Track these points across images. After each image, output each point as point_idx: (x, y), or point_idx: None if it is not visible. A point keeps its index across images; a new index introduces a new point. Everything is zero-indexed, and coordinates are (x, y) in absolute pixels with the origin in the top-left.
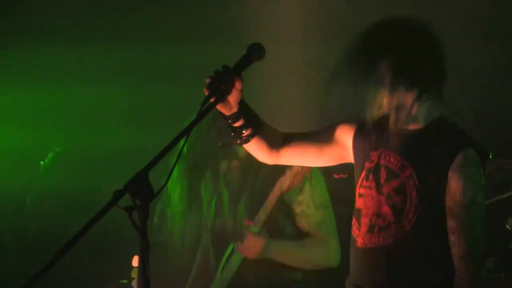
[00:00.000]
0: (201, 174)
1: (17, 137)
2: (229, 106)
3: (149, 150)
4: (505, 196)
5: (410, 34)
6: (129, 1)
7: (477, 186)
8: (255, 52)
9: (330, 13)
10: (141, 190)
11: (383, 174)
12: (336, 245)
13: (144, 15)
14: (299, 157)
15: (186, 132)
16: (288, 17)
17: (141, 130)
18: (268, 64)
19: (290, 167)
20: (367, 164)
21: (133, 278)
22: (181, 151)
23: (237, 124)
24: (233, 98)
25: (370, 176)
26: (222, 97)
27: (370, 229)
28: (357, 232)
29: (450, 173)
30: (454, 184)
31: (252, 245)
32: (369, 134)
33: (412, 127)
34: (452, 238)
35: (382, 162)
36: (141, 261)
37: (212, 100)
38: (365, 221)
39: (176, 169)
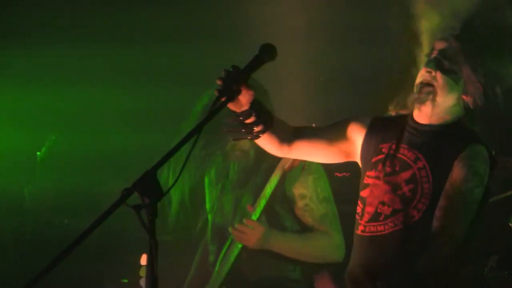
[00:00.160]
0: (204, 170)
1: (16, 137)
2: (240, 104)
3: (149, 150)
4: (508, 194)
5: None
6: (129, 2)
7: (478, 179)
8: (267, 53)
9: (331, 13)
10: (150, 189)
11: (395, 165)
12: (340, 239)
13: (145, 16)
14: (309, 151)
15: (197, 131)
16: (289, 17)
17: (141, 130)
18: (269, 64)
19: None
20: (375, 157)
21: (141, 277)
22: (191, 150)
23: (248, 121)
24: (244, 99)
25: (379, 167)
26: (232, 97)
27: (375, 218)
28: (360, 220)
29: (456, 163)
30: (457, 171)
31: (251, 232)
32: (382, 130)
33: (431, 123)
34: (437, 213)
35: (394, 153)
36: (149, 259)
37: (222, 99)
38: (369, 209)
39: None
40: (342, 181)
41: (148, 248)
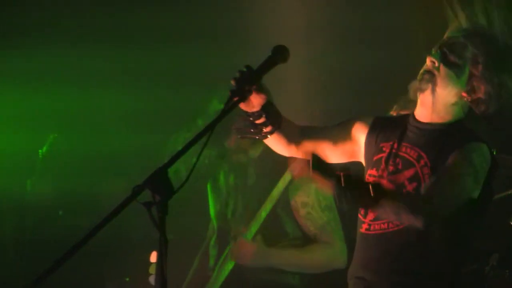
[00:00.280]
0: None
1: (17, 137)
2: (252, 105)
3: (149, 150)
4: (509, 193)
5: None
6: (130, 2)
7: (471, 169)
8: (279, 54)
9: (331, 13)
10: (161, 186)
11: (397, 163)
12: (341, 247)
13: (146, 16)
14: (315, 151)
15: (209, 129)
16: (289, 17)
17: (142, 130)
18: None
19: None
20: (376, 155)
21: (150, 274)
22: (203, 148)
23: (258, 121)
24: (256, 101)
25: (382, 165)
26: (244, 97)
27: (379, 216)
28: (363, 218)
29: (453, 153)
30: (452, 158)
31: (243, 252)
32: (383, 129)
33: (432, 122)
34: (425, 186)
35: (397, 152)
36: (159, 257)
37: (235, 99)
38: None
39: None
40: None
41: (158, 245)
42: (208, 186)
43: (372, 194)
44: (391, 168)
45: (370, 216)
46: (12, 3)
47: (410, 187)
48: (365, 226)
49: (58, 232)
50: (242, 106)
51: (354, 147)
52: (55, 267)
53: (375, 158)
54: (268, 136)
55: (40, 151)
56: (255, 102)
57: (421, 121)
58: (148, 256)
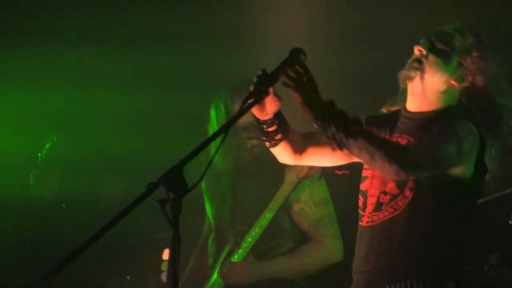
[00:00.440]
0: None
1: (17, 138)
2: (265, 113)
3: (150, 154)
4: (508, 191)
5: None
6: (131, 3)
7: (455, 138)
8: (296, 57)
9: (331, 13)
10: (175, 184)
11: None
12: (334, 244)
13: (147, 17)
14: (317, 158)
15: (224, 129)
16: (289, 17)
17: (142, 132)
18: (269, 64)
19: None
20: None
21: (162, 271)
22: (218, 148)
23: (270, 129)
24: (271, 108)
25: None
26: (260, 99)
27: (378, 207)
28: (363, 212)
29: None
30: (437, 128)
31: (233, 273)
32: (376, 125)
33: (423, 111)
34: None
35: None
36: (171, 255)
37: (250, 101)
38: (371, 200)
39: None
40: (343, 179)
41: (172, 243)
42: (203, 186)
43: (352, 126)
44: None
45: (369, 208)
46: (11, 3)
47: None
48: (365, 219)
49: (58, 232)
50: (256, 113)
51: None
52: (65, 263)
53: None
54: (278, 144)
55: (39, 154)
56: (269, 108)
57: (412, 111)
58: (149, 255)
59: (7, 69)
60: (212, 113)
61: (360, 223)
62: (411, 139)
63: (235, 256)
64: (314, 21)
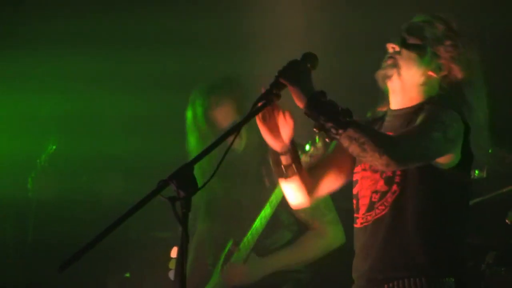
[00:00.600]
0: None
1: (18, 140)
2: (280, 139)
3: (149, 155)
4: (505, 190)
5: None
6: (133, 8)
7: (439, 125)
8: (309, 61)
9: (332, 14)
10: (186, 182)
11: None
12: (334, 230)
13: (149, 21)
14: (328, 186)
15: (236, 129)
16: (289, 17)
17: (141, 135)
18: (269, 64)
19: None
20: None
21: (170, 269)
22: (229, 148)
23: (285, 162)
24: (285, 132)
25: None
26: (271, 101)
27: (370, 207)
28: (357, 214)
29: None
30: (421, 116)
31: (235, 276)
32: None
33: (405, 107)
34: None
35: None
36: (179, 252)
37: (260, 104)
38: (364, 201)
39: None
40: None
41: (180, 241)
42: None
43: (342, 117)
44: None
45: (362, 209)
46: (12, 5)
47: (389, 172)
48: (359, 220)
49: (58, 232)
50: (272, 141)
51: (351, 158)
52: (77, 256)
53: None
54: (292, 177)
55: (38, 160)
56: (284, 133)
57: (395, 108)
58: (148, 253)
59: (7, 70)
60: (189, 113)
61: (355, 225)
62: (393, 133)
63: (236, 256)
64: (313, 23)
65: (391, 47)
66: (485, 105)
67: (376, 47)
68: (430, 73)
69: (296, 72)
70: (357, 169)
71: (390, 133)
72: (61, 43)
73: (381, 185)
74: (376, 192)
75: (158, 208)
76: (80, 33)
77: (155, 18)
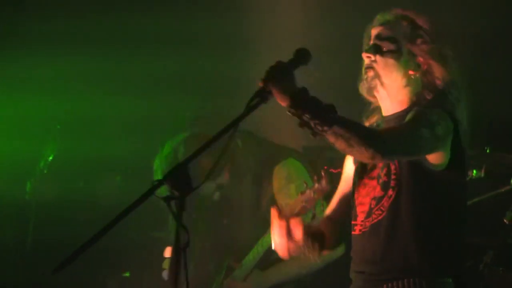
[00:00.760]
0: None
1: (18, 142)
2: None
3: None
4: (503, 190)
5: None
6: (133, 10)
7: (428, 122)
8: (302, 57)
9: (332, 14)
10: (180, 182)
11: None
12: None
13: (148, 24)
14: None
15: (232, 126)
16: (289, 17)
17: (140, 136)
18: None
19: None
20: (356, 162)
21: (164, 269)
22: (228, 148)
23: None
24: (296, 234)
25: (359, 168)
26: (265, 99)
27: (369, 213)
28: (355, 221)
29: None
30: (409, 115)
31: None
32: None
33: (396, 112)
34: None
35: None
36: (174, 251)
37: (253, 102)
38: (362, 208)
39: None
40: (337, 177)
41: (175, 240)
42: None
43: (326, 114)
44: (366, 167)
45: (361, 216)
46: (12, 5)
47: (382, 174)
48: (358, 227)
49: (57, 233)
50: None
51: None
52: (71, 258)
53: (356, 165)
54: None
55: (37, 167)
56: (296, 234)
57: (386, 114)
58: (147, 253)
59: (7, 71)
60: (156, 163)
61: (353, 233)
62: None
63: (238, 272)
64: (313, 24)
65: (367, 57)
66: (465, 101)
67: None
68: (411, 72)
69: (276, 73)
70: (354, 178)
71: None
72: (61, 43)
73: (378, 191)
74: (374, 198)
75: (158, 208)
76: (80, 33)
77: (155, 18)
